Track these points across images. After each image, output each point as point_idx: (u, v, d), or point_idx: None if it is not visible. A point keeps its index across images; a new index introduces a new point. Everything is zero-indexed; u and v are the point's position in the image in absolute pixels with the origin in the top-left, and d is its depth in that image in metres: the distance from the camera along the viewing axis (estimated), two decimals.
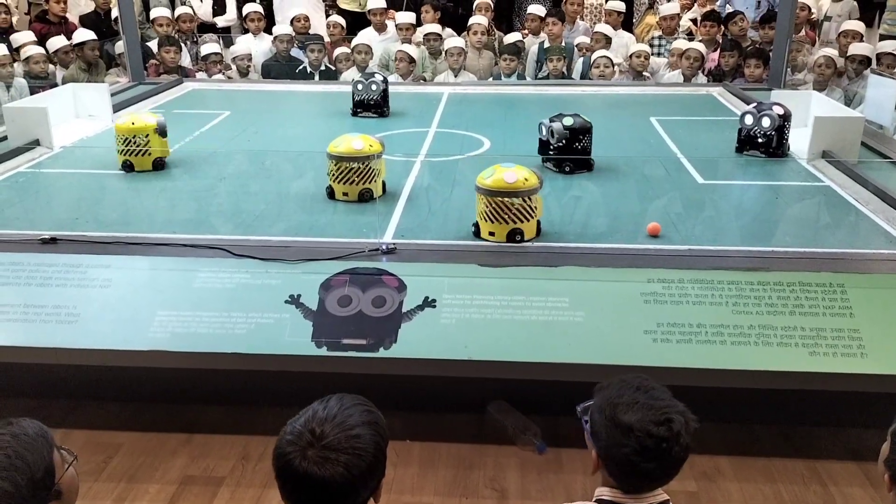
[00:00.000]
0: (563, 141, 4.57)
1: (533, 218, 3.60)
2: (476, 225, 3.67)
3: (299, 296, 3.19)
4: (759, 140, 4.93)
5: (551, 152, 4.65)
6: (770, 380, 2.96)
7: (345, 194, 4.14)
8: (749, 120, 4.97)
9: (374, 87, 6.09)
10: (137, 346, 3.08)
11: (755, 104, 5.14)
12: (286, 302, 3.18)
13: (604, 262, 3.38)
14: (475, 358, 3.01)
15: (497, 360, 3.01)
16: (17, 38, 7.27)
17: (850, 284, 3.15)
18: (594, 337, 3.04)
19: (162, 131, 4.67)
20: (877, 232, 3.80)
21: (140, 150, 4.64)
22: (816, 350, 2.96)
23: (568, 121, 4.58)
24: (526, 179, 3.53)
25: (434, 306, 3.15)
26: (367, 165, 4.09)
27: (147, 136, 4.63)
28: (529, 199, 3.55)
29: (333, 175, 4.13)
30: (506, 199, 3.51)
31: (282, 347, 3.05)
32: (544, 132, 4.67)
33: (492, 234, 3.59)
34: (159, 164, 4.70)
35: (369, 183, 4.13)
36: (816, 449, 3.13)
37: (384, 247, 3.48)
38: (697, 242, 3.62)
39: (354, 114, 6.15)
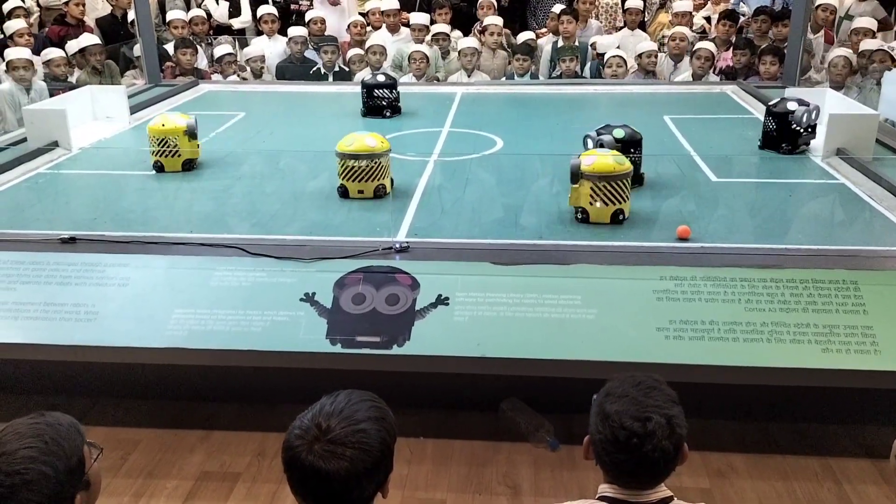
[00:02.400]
0: None
1: (629, 199, 3.84)
2: (583, 210, 3.81)
3: (314, 294, 3.23)
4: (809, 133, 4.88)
5: None
6: (783, 377, 2.96)
7: (360, 192, 4.17)
8: (804, 116, 4.84)
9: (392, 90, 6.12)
10: (155, 343, 3.12)
11: (789, 99, 5.05)
12: (301, 300, 3.21)
13: (616, 259, 3.39)
14: (488, 355, 3.03)
15: (510, 357, 3.03)
16: (11, 25, 7.36)
17: (864, 281, 3.14)
18: (607, 334, 3.05)
19: (191, 133, 4.72)
20: (891, 229, 3.78)
21: (170, 152, 4.71)
22: (829, 347, 2.96)
23: (619, 133, 4.26)
24: (621, 163, 3.80)
25: (447, 304, 3.17)
26: (378, 162, 4.14)
27: (176, 137, 4.69)
28: (628, 180, 3.82)
29: (346, 173, 4.17)
30: (612, 181, 3.73)
31: (297, 345, 3.09)
32: (590, 145, 4.29)
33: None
34: (188, 166, 4.75)
35: (383, 179, 4.17)
36: (830, 446, 3.13)
37: (397, 245, 3.50)
38: (710, 240, 3.62)
39: (364, 114, 6.16)
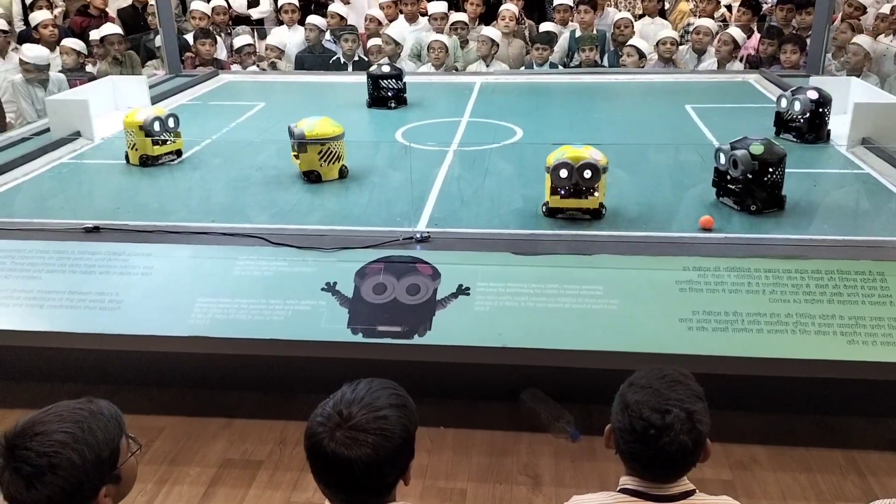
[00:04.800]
0: (751, 174, 3.66)
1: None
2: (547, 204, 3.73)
3: (335, 283, 3.23)
4: (792, 125, 4.90)
5: (731, 186, 3.78)
6: (807, 368, 2.93)
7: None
8: (783, 103, 4.95)
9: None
10: (178, 332, 3.15)
11: (795, 87, 5.06)
12: (322, 289, 3.22)
13: (638, 249, 3.37)
14: (509, 345, 3.02)
15: (531, 347, 3.02)
16: (36, 16, 7.40)
17: (891, 272, 3.10)
18: (628, 325, 3.03)
19: (147, 131, 4.59)
20: None
21: (131, 145, 4.66)
22: (855, 339, 2.93)
23: (757, 148, 3.67)
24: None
25: (468, 294, 3.17)
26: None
27: (132, 132, 4.62)
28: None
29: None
30: None
31: (318, 334, 3.10)
32: (723, 160, 3.77)
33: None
34: (145, 161, 4.62)
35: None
36: (855, 439, 3.10)
37: (418, 235, 3.50)
38: (734, 230, 3.59)
39: (370, 105, 6.11)
